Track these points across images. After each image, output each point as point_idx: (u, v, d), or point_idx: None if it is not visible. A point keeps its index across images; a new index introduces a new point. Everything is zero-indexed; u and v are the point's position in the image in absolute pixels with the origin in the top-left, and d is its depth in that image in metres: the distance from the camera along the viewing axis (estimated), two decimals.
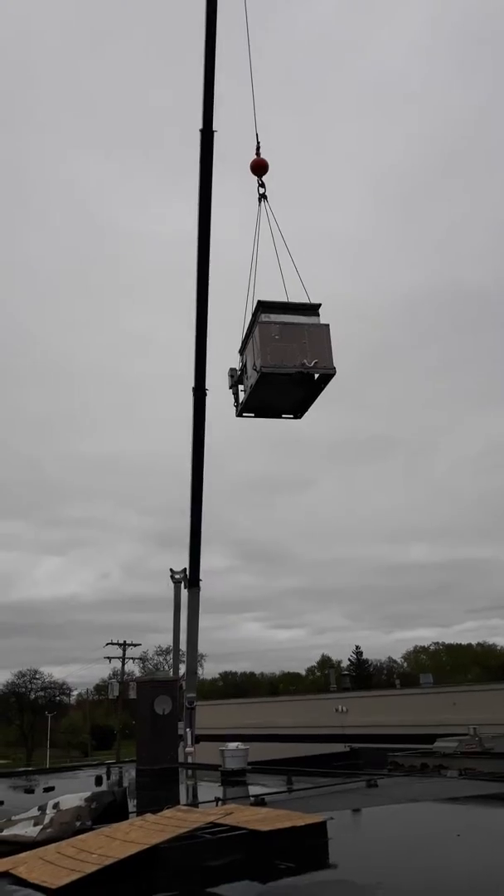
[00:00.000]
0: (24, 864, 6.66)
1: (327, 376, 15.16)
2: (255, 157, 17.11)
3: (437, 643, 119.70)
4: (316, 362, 14.70)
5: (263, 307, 15.61)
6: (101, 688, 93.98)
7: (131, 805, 9.59)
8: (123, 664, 67.75)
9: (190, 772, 16.45)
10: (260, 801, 10.01)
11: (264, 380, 14.99)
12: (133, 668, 71.28)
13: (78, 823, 8.07)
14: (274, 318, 15.23)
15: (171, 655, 22.02)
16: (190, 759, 18.00)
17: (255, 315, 15.89)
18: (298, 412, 16.74)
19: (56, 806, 8.57)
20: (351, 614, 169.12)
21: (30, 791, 14.30)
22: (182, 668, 20.12)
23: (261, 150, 17.02)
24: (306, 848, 7.29)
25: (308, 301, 15.74)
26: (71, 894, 5.86)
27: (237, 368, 17.04)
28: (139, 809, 9.39)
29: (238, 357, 17.10)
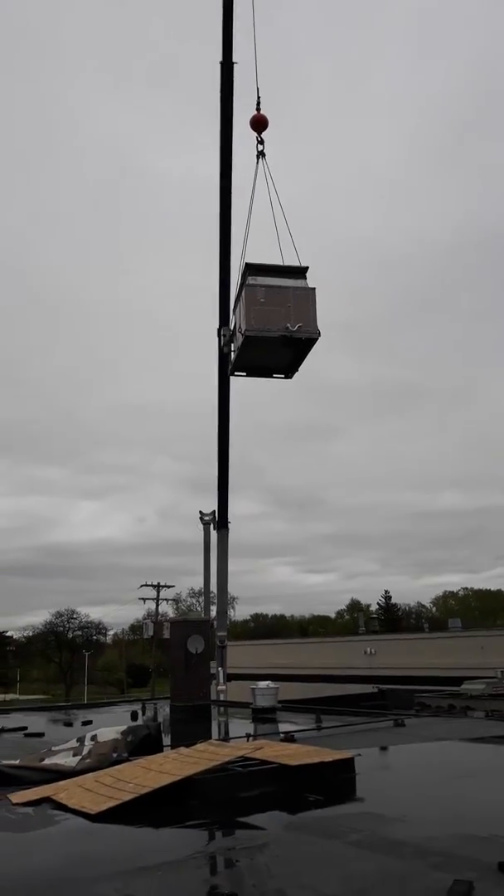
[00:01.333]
0: (64, 791, 6.99)
1: (311, 340, 15.23)
2: (256, 112, 16.69)
3: (466, 589, 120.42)
4: (300, 326, 14.77)
5: (251, 269, 15.67)
6: (135, 628, 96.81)
7: (165, 739, 9.93)
8: (157, 605, 69.56)
9: (222, 709, 16.95)
10: (289, 738, 10.31)
11: (249, 343, 15.20)
12: (167, 609, 73.12)
13: (114, 755, 8.40)
14: (261, 280, 15.34)
15: (203, 597, 22.56)
16: (222, 697, 18.54)
17: (243, 277, 15.93)
18: (289, 372, 16.89)
19: (94, 738, 8.92)
20: (381, 560, 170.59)
21: (69, 724, 14.91)
22: (213, 609, 20.60)
23: (261, 106, 16.68)
24: (334, 782, 7.52)
25: (298, 264, 15.65)
26: (109, 820, 6.15)
27: (229, 328, 17.25)
28: (173, 743, 9.72)
29: (231, 316, 17.20)
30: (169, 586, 70.44)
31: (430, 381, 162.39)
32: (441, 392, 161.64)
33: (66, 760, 8.32)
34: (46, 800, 6.91)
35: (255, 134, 16.94)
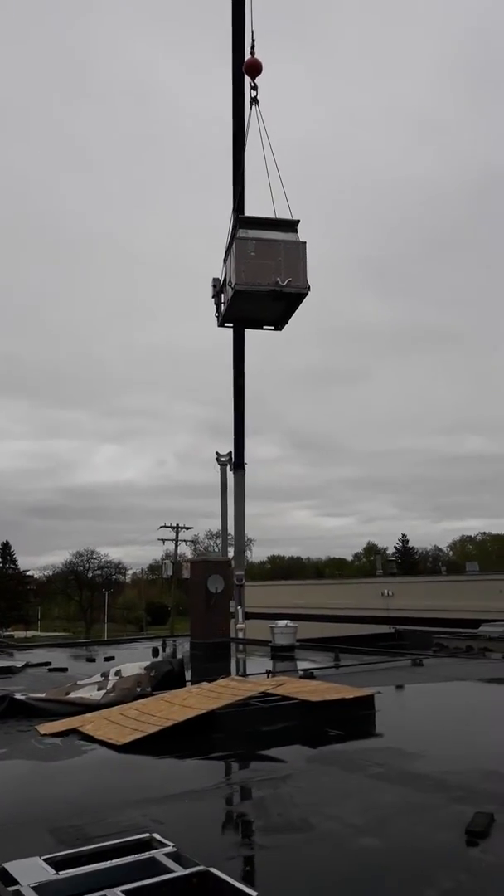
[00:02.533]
0: (90, 724, 7.18)
1: (301, 295, 15.29)
2: (250, 56, 16.14)
3: (484, 534, 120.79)
4: (289, 280, 14.78)
5: (242, 222, 15.59)
6: (154, 568, 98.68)
7: (186, 675, 10.15)
8: (176, 546, 70.66)
9: (241, 646, 17.29)
10: (309, 675, 10.48)
11: (238, 296, 15.23)
12: (185, 550, 74.28)
13: (138, 689, 8.60)
14: (252, 233, 15.25)
15: (221, 538, 22.78)
16: (240, 635, 18.91)
17: (234, 229, 15.85)
18: (278, 324, 16.97)
19: (118, 673, 9.13)
20: (400, 504, 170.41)
21: (91, 660, 15.26)
22: (231, 549, 20.86)
23: (255, 50, 16.11)
24: (354, 718, 7.65)
25: (290, 217, 15.48)
26: (134, 751, 6.32)
27: (219, 278, 17.21)
28: (194, 679, 9.91)
29: (221, 266, 17.09)
30: (188, 528, 71.46)
31: (458, 323, 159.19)
32: (468, 335, 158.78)
33: (91, 694, 8.53)
34: (73, 731, 7.10)
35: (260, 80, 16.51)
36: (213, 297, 17.27)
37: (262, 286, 14.79)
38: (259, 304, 15.66)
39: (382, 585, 33.97)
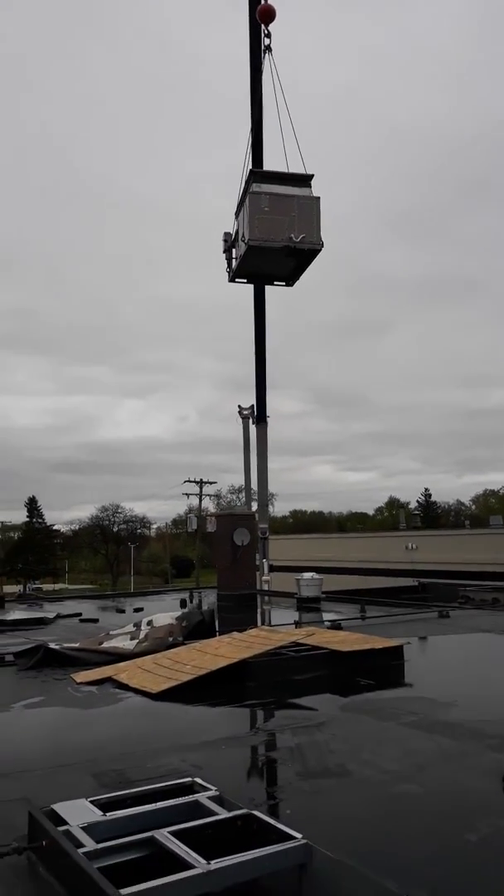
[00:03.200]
0: (125, 672, 7.30)
1: (314, 251, 15.16)
2: (263, 2, 15.59)
3: None
4: (303, 237, 14.65)
5: (256, 176, 15.35)
6: (178, 522, 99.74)
7: (216, 626, 10.27)
8: (200, 500, 71.36)
9: (267, 598, 17.48)
10: (336, 626, 10.57)
11: (252, 252, 15.08)
12: (208, 504, 74.93)
13: (170, 639, 8.73)
14: (265, 188, 15.05)
15: (244, 493, 22.88)
16: (266, 587, 19.11)
17: (247, 183, 15.60)
18: (290, 279, 16.84)
19: (150, 623, 9.27)
20: (423, 458, 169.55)
21: (121, 611, 15.52)
22: (254, 503, 20.96)
23: None
24: (384, 668, 7.71)
25: (304, 171, 15.23)
26: (169, 699, 6.43)
27: (231, 233, 16.99)
28: (223, 630, 10.04)
29: (233, 220, 16.84)
30: (211, 482, 72.07)
31: (484, 273, 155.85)
32: (494, 285, 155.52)
33: (124, 644, 8.67)
34: (108, 679, 7.24)
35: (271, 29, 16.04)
36: (225, 251, 17.12)
37: (275, 242, 14.68)
38: (271, 259, 15.53)
39: (406, 539, 34.05)
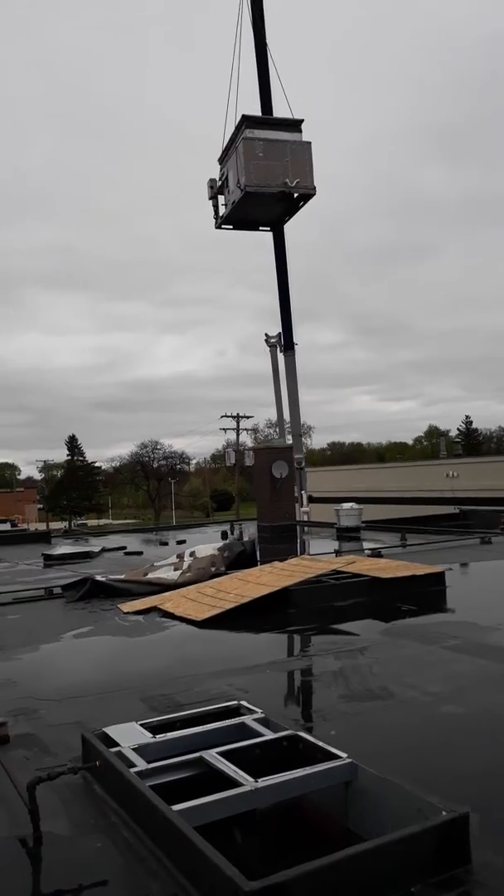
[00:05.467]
0: (170, 601, 7.47)
1: (307, 196, 15.34)
2: None
3: None
4: (297, 182, 14.89)
5: (248, 122, 15.24)
6: (217, 457, 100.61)
7: (257, 556, 10.41)
8: (238, 434, 71.75)
9: (306, 529, 17.64)
10: (377, 554, 10.62)
11: (247, 198, 15.07)
12: (245, 439, 75.27)
13: (213, 569, 8.88)
14: (258, 133, 15.15)
15: (278, 423, 22.81)
16: (305, 518, 19.27)
17: (238, 129, 15.49)
18: (276, 225, 16.90)
19: (192, 554, 9.43)
20: (466, 385, 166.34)
21: (164, 543, 15.85)
22: (289, 437, 20.92)
23: None
24: (426, 594, 7.75)
25: (291, 116, 15.47)
26: (213, 626, 6.57)
27: (216, 179, 16.88)
28: (264, 560, 10.17)
29: (217, 167, 16.84)
30: (248, 417, 72.22)
31: None
32: None
33: (168, 574, 8.85)
34: (154, 609, 7.42)
35: None
36: (211, 198, 17.12)
37: (271, 187, 14.84)
38: (263, 205, 15.64)
39: (447, 467, 33.83)
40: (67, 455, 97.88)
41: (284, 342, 20.01)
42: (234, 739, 3.22)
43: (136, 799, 2.68)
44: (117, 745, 3.17)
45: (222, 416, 70.17)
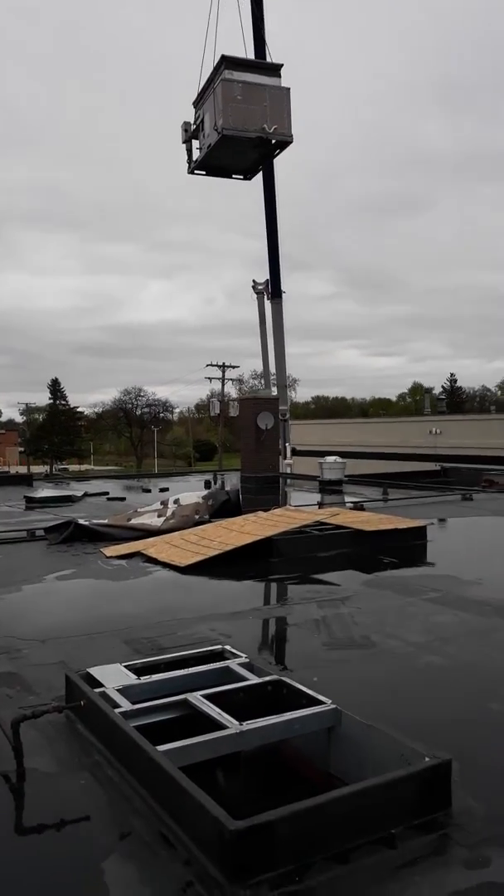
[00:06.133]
0: (153, 547, 7.47)
1: (284, 143, 15.07)
2: None
3: None
4: (276, 128, 14.58)
5: (227, 62, 14.82)
6: (201, 407, 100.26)
7: (241, 506, 10.42)
8: (223, 384, 71.26)
9: (289, 481, 17.70)
10: (359, 507, 10.68)
11: (223, 142, 14.74)
12: (230, 389, 74.91)
13: (197, 517, 8.88)
14: (237, 76, 14.71)
15: (263, 373, 22.65)
16: (289, 471, 19.31)
17: (217, 69, 15.05)
18: (250, 173, 16.72)
19: (177, 501, 9.41)
20: (453, 343, 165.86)
21: (147, 490, 15.84)
22: (274, 389, 20.80)
23: None
24: (407, 548, 7.81)
25: (271, 61, 15.17)
26: (196, 573, 6.59)
27: (191, 122, 16.46)
28: (247, 510, 10.20)
29: (192, 110, 16.35)
30: (234, 367, 71.82)
31: None
32: None
33: (152, 521, 8.84)
34: (137, 554, 7.42)
35: None
36: (184, 142, 16.64)
37: (248, 132, 14.50)
38: (238, 151, 15.33)
39: (430, 424, 33.94)
40: (49, 399, 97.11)
41: (272, 289, 19.75)
42: (219, 683, 3.23)
43: (120, 739, 2.68)
44: (101, 685, 3.17)
45: (207, 365, 69.59)
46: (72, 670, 3.39)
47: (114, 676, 3.30)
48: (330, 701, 2.92)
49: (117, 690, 3.09)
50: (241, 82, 14.71)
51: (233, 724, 2.71)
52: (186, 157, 16.72)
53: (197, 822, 2.16)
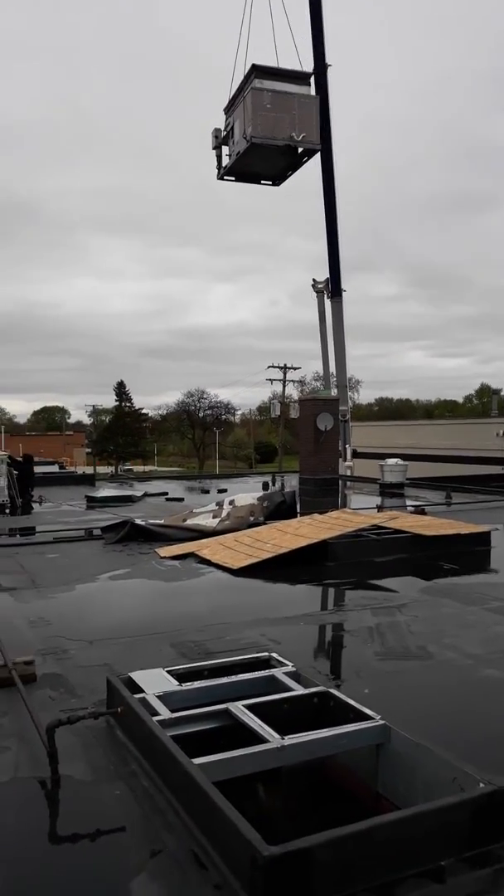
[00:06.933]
0: (207, 548, 7.40)
1: (311, 151, 15.38)
2: None
3: None
4: (304, 136, 14.86)
5: (258, 71, 15.02)
6: (262, 409, 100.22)
7: (297, 508, 10.26)
8: (284, 386, 71.05)
9: (349, 483, 17.42)
10: (420, 511, 10.37)
11: (252, 149, 14.97)
12: (292, 391, 74.66)
13: (252, 518, 8.77)
14: (267, 84, 14.97)
15: (323, 372, 22.39)
16: (349, 472, 19.03)
17: (247, 78, 15.22)
18: (278, 179, 16.87)
19: (232, 503, 9.33)
20: None
21: (206, 492, 15.85)
22: (335, 390, 20.55)
23: None
24: (469, 554, 7.51)
25: (301, 69, 15.30)
26: (249, 575, 6.47)
27: (222, 129, 16.58)
28: (304, 512, 10.02)
29: (223, 116, 16.43)
30: (295, 368, 71.32)
31: None
32: None
33: (207, 522, 8.78)
34: (191, 555, 7.36)
35: None
36: (215, 148, 16.95)
37: (277, 139, 14.71)
38: (267, 158, 15.53)
39: (497, 426, 32.94)
40: (115, 401, 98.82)
41: (332, 288, 19.55)
42: (263, 692, 3.10)
43: (157, 749, 2.58)
44: (142, 691, 3.08)
45: (269, 367, 69.48)
46: (115, 674, 3.32)
47: (156, 682, 3.21)
48: (379, 716, 2.76)
49: (157, 697, 3.00)
50: (271, 91, 15.03)
51: (274, 738, 2.57)
52: (216, 164, 17.10)
53: (230, 843, 2.04)
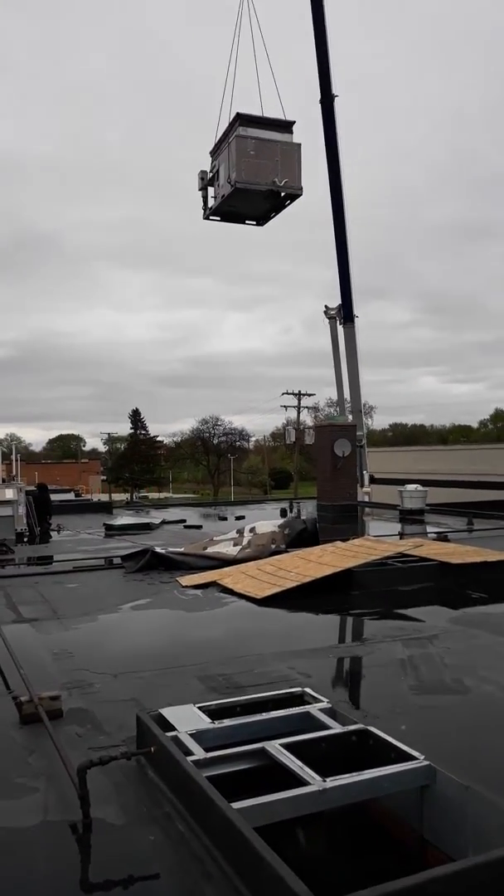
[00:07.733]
0: (229, 577, 7.29)
1: (294, 196, 15.90)
2: None
3: None
4: (286, 182, 15.45)
5: (242, 120, 15.61)
6: (276, 435, 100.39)
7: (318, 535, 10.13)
8: (299, 412, 71.08)
9: (368, 509, 17.25)
10: (443, 538, 10.21)
11: (237, 193, 15.56)
12: (306, 417, 74.70)
13: (273, 546, 8.66)
14: (251, 132, 15.58)
15: (337, 398, 22.34)
16: (366, 499, 18.85)
17: (231, 125, 15.86)
18: (262, 220, 17.53)
19: (252, 530, 9.23)
20: None
21: (223, 518, 15.75)
22: (349, 416, 20.47)
23: None
24: (497, 581, 7.34)
25: (284, 118, 15.90)
26: (273, 605, 6.35)
27: (208, 171, 17.16)
28: (325, 539, 9.90)
29: (209, 159, 17.07)
30: (309, 394, 71.41)
31: None
32: None
33: (228, 549, 8.68)
34: (212, 584, 7.25)
35: None
36: (200, 189, 17.44)
37: (260, 185, 15.32)
38: (251, 201, 16.12)
39: None
40: (131, 429, 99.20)
41: (344, 313, 19.65)
42: (299, 730, 2.99)
43: (192, 791, 2.47)
44: (174, 728, 2.98)
45: (283, 394, 69.58)
46: (144, 709, 3.22)
47: (187, 719, 3.10)
48: (423, 756, 2.63)
49: (190, 735, 2.89)
50: (255, 138, 15.59)
51: (315, 780, 2.46)
52: (202, 204, 17.69)
53: (275, 895, 1.92)
